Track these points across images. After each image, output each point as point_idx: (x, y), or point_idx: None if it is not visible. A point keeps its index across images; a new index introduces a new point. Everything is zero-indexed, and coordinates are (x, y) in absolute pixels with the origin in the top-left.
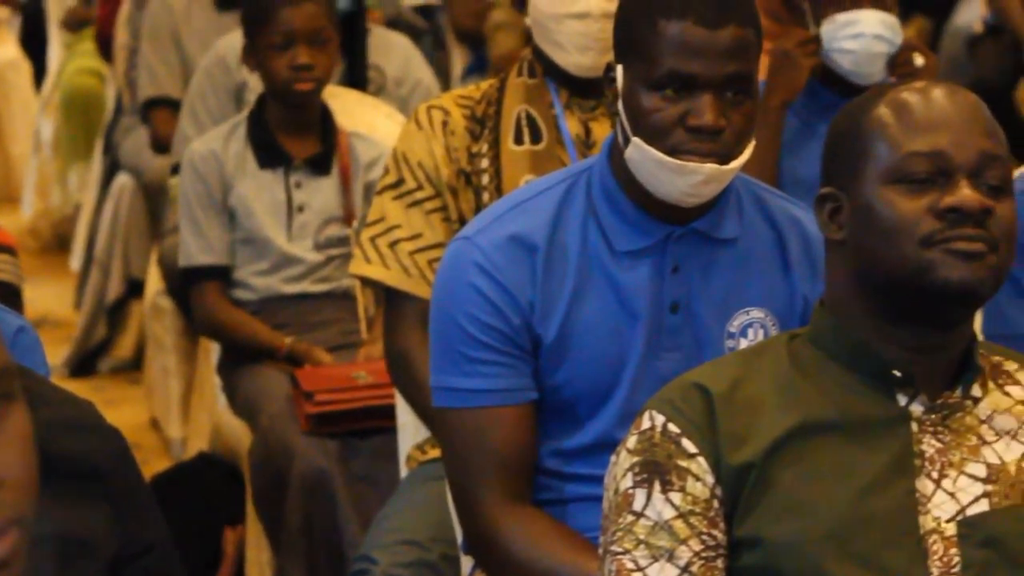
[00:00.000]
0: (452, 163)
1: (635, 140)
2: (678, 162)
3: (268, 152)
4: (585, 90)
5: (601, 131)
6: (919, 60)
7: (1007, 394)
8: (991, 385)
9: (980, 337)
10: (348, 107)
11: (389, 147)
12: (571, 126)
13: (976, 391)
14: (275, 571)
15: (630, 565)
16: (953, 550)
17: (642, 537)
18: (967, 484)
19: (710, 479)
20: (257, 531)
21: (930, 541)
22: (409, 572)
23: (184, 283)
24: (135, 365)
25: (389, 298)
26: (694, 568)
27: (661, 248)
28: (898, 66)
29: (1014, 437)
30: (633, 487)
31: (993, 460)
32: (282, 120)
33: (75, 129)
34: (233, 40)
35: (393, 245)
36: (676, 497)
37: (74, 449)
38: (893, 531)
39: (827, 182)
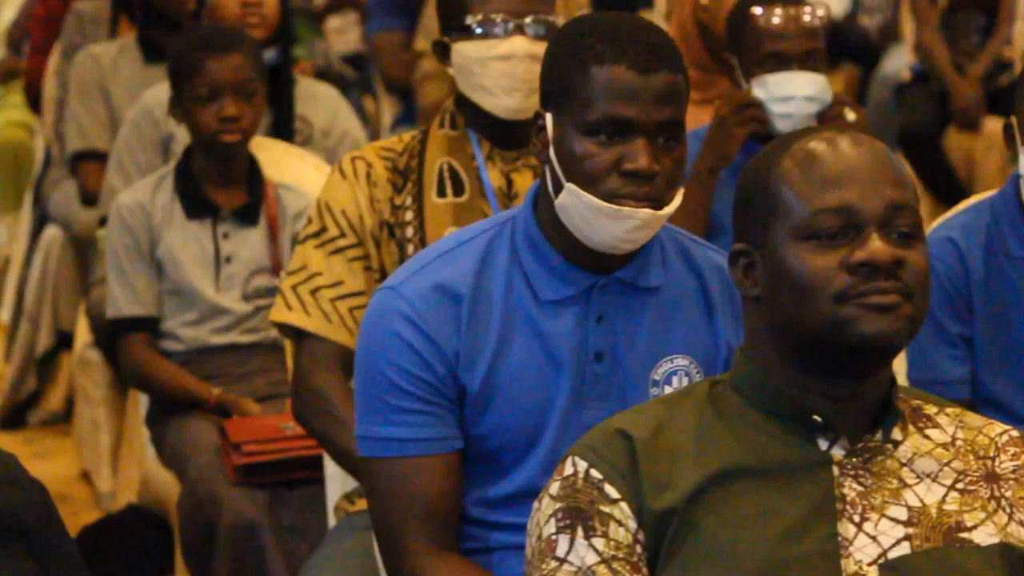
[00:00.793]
0: (376, 213)
1: (569, 186)
2: (614, 207)
3: (195, 203)
4: (507, 140)
5: (523, 182)
6: (850, 115)
7: (927, 437)
8: (911, 428)
9: (906, 383)
10: (275, 158)
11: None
12: (493, 178)
13: (897, 434)
14: None
15: None
16: None
17: None
18: (888, 527)
19: (633, 524)
20: None
21: None
22: None
23: (112, 334)
24: (65, 417)
25: (303, 341)
26: None
27: (585, 297)
28: (829, 120)
29: (935, 480)
30: (556, 533)
31: (914, 503)
32: (209, 171)
33: (4, 181)
34: (160, 92)
35: (314, 292)
36: (599, 543)
37: None
38: (815, 575)
39: (739, 237)
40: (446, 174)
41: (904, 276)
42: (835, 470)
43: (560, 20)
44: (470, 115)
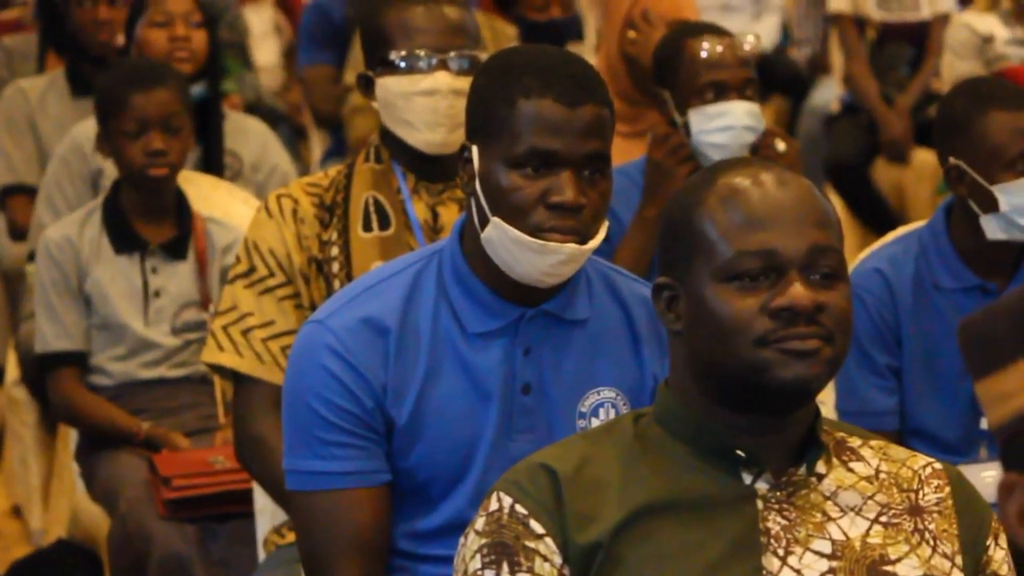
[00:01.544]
0: (304, 251)
1: (495, 220)
2: (540, 242)
3: (124, 237)
4: (432, 173)
5: (449, 215)
6: (781, 146)
7: (851, 470)
8: (835, 462)
9: (834, 414)
10: (203, 192)
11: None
12: (419, 211)
13: (821, 468)
14: None
15: None
16: None
17: None
18: (813, 560)
19: (558, 559)
20: None
21: None
22: None
23: (41, 369)
24: None
25: (239, 385)
26: None
27: (513, 330)
28: (761, 150)
29: (858, 513)
30: (482, 568)
31: (838, 536)
32: (137, 205)
33: None
34: (88, 127)
35: (246, 333)
36: None
37: None
38: None
39: (663, 271)
40: (372, 208)
41: (825, 320)
42: (759, 504)
43: (485, 55)
44: (395, 148)
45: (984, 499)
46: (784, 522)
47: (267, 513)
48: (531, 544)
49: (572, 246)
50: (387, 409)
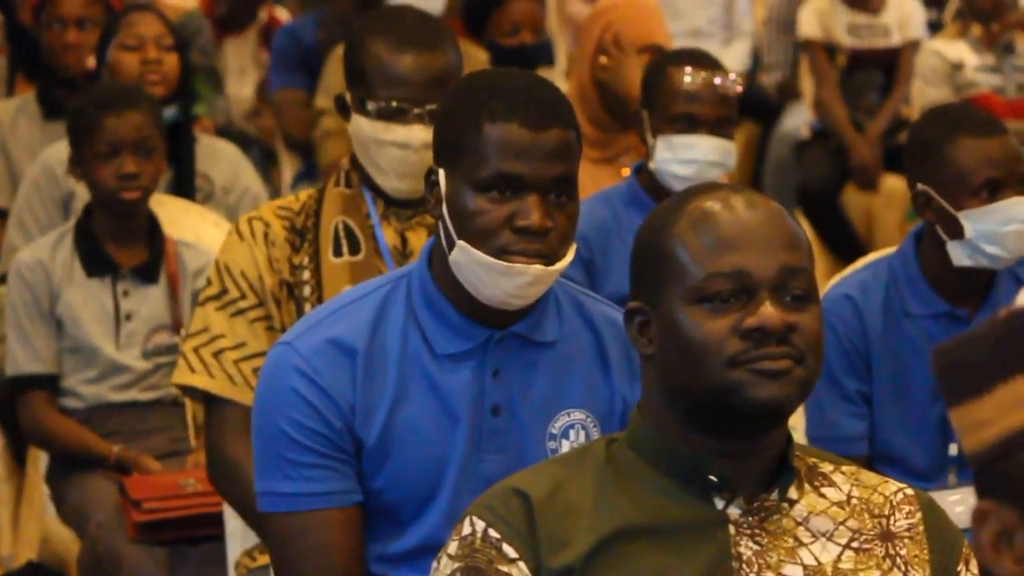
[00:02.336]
0: (275, 273)
1: (460, 243)
2: (505, 264)
3: (95, 261)
4: (401, 200)
5: (417, 240)
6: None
7: (823, 496)
8: (807, 487)
9: (805, 440)
10: (175, 215)
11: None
12: (388, 236)
13: (793, 493)
14: None
15: None
16: None
17: None
18: None
19: None
20: None
21: None
22: None
23: (12, 392)
24: None
25: (211, 407)
26: None
27: (482, 351)
28: None
29: (830, 538)
30: None
31: (810, 561)
32: (109, 229)
33: None
34: (60, 149)
35: (217, 354)
36: None
37: None
38: None
39: (635, 295)
40: (342, 233)
41: (796, 340)
42: (731, 529)
43: None
44: (365, 174)
45: (956, 525)
46: (756, 547)
47: (238, 536)
48: (504, 568)
49: (538, 267)
50: (356, 429)
